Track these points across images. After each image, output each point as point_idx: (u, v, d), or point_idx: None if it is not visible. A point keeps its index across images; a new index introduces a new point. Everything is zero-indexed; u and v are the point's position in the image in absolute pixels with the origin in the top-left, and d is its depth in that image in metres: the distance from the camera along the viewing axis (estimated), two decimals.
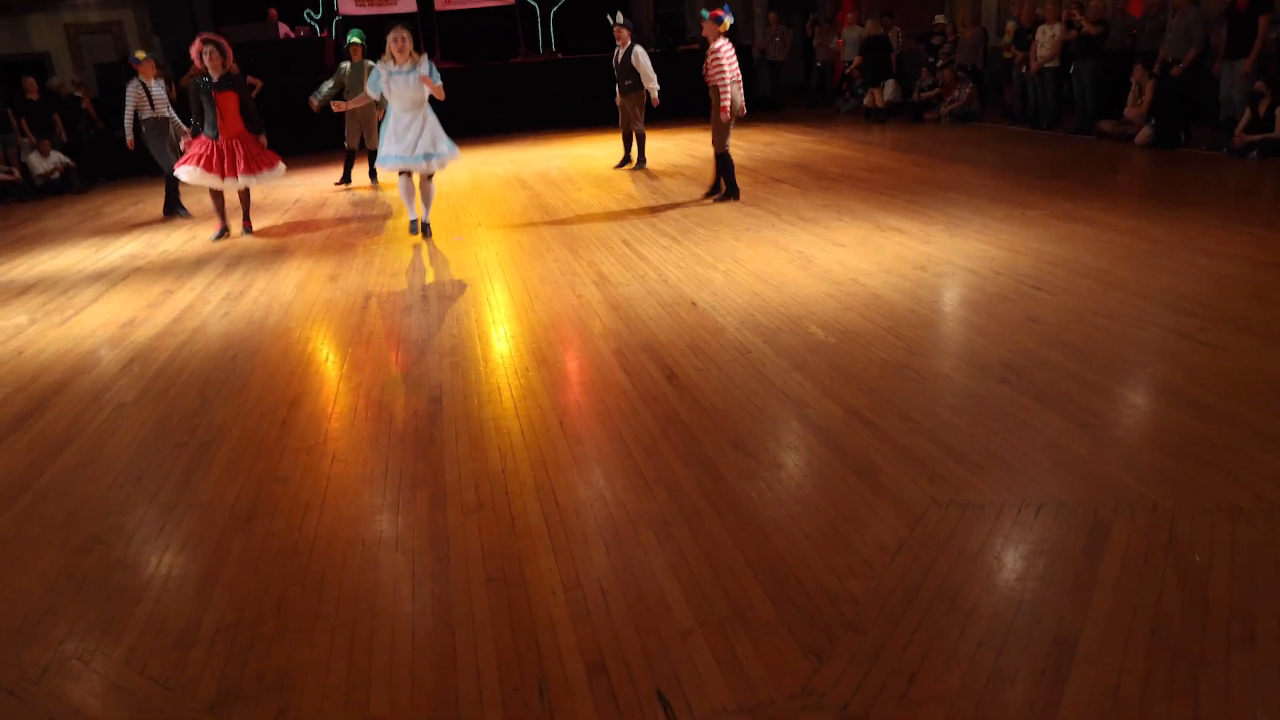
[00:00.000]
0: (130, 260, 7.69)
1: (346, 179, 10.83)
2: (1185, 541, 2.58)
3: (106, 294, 6.55)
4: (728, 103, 7.70)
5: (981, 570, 2.53)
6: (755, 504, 2.95)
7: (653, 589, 2.54)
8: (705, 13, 7.83)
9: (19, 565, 2.96)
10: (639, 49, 10.00)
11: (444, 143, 7.12)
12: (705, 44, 7.84)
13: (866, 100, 14.24)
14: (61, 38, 16.06)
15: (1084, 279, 5.12)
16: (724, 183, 8.14)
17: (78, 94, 13.58)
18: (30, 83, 12.73)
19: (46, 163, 12.39)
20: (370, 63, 10.25)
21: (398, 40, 6.85)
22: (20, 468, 3.71)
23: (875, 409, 3.60)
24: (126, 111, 9.42)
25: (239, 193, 8.23)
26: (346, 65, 10.35)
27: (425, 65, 6.91)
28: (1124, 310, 4.58)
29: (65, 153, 12.64)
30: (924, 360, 4.12)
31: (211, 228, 8.42)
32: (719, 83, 7.69)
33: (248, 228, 8.35)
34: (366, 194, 10.36)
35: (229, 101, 7.81)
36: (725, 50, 7.70)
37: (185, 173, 7.93)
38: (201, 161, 7.81)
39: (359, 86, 10.23)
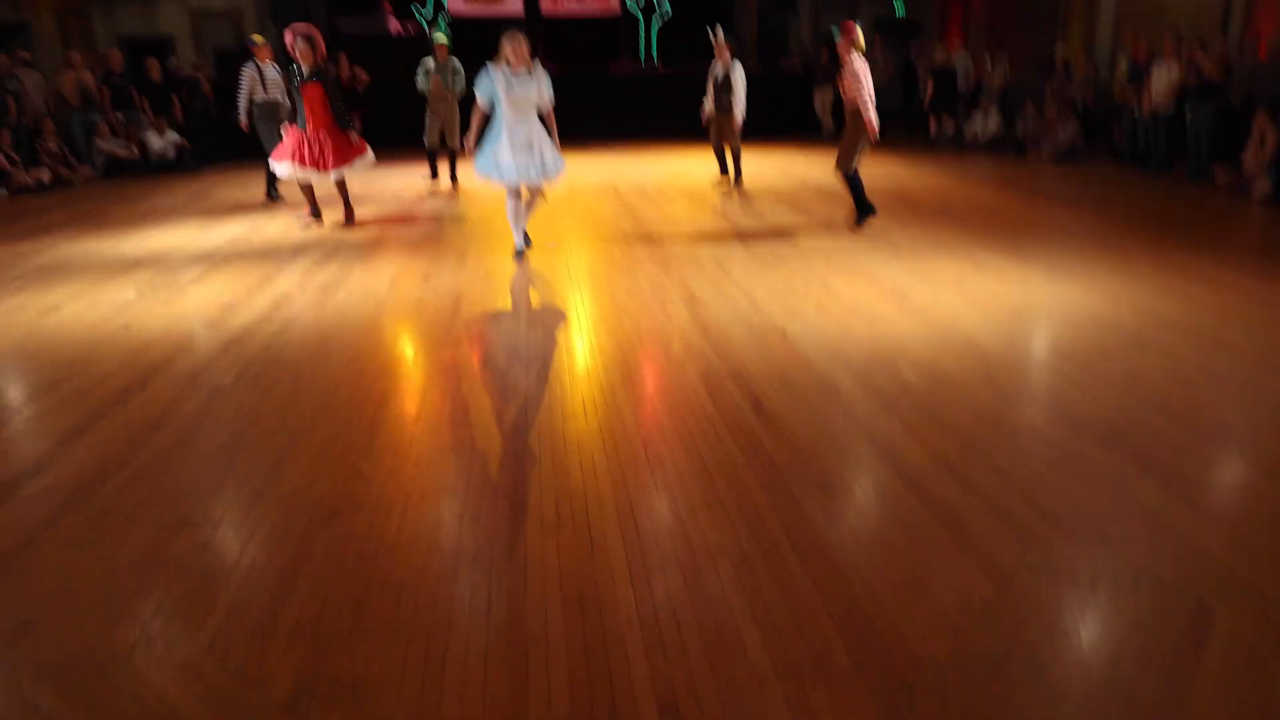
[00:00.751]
0: (233, 243, 7.93)
1: (435, 174, 10.99)
2: None
3: (209, 275, 6.76)
4: (874, 119, 7.45)
5: (1073, 644, 2.43)
6: (838, 548, 2.89)
7: (730, 627, 2.50)
8: (836, 30, 7.64)
9: (114, 538, 3.06)
10: (740, 67, 9.93)
11: (555, 154, 6.75)
12: (824, 61, 7.71)
13: (933, 130, 14.46)
14: (186, 21, 16.70)
15: (1191, 339, 4.92)
16: (856, 202, 7.89)
17: (197, 75, 14.10)
18: (153, 64, 13.28)
19: (162, 141, 12.88)
20: (455, 61, 10.42)
21: (514, 43, 6.44)
22: (121, 442, 3.84)
23: (966, 459, 3.51)
24: (241, 94, 9.77)
25: (336, 184, 8.42)
26: (430, 62, 10.45)
27: (545, 79, 6.58)
28: (1234, 376, 4.39)
29: (180, 133, 13.13)
30: (1018, 411, 4.00)
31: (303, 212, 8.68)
32: (860, 99, 7.41)
33: (349, 218, 8.55)
34: (452, 194, 10.52)
35: (315, 93, 7.99)
36: (863, 66, 7.44)
37: (280, 168, 8.17)
38: (294, 156, 8.03)
39: (442, 85, 10.39)
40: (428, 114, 10.55)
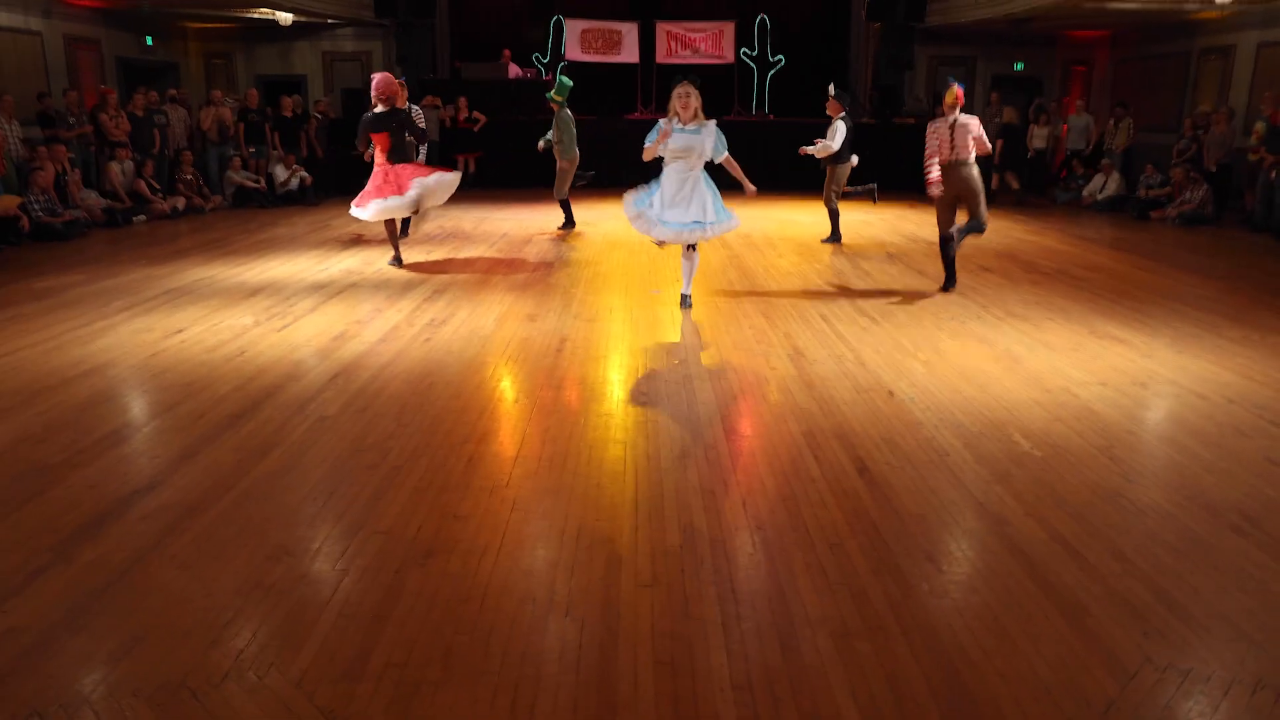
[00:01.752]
0: (348, 275, 8.17)
1: (571, 224, 11.04)
2: None
3: (323, 305, 6.96)
4: (932, 175, 7.31)
5: None
6: (946, 628, 2.74)
7: (828, 707, 2.38)
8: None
9: (217, 563, 3.11)
10: (839, 123, 9.77)
11: (718, 209, 6.51)
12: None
13: (994, 184, 14.08)
14: (319, 62, 17.52)
15: None
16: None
17: (316, 114, 14.72)
18: (286, 101, 13.95)
19: (287, 173, 13.47)
20: (564, 113, 10.51)
21: (682, 97, 6.31)
22: (228, 465, 3.93)
23: (1084, 539, 3.31)
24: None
25: (391, 223, 8.56)
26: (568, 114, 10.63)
27: (715, 134, 6.42)
28: None
29: (306, 167, 13.71)
30: (1142, 491, 3.77)
31: (422, 252, 8.89)
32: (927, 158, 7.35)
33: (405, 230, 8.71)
34: (567, 239, 10.66)
35: (381, 140, 8.23)
36: (935, 125, 7.32)
37: (362, 213, 8.31)
38: (377, 194, 8.22)
39: (560, 136, 10.53)
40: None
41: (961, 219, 7.52)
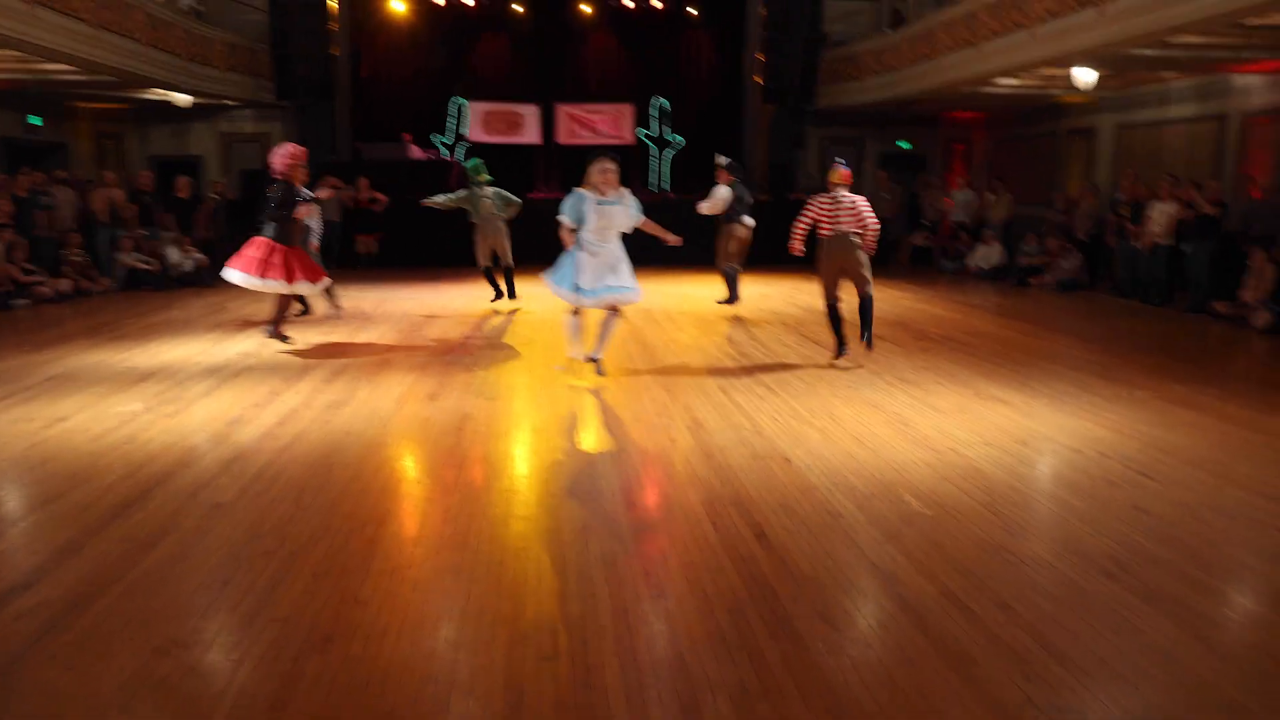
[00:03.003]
0: (243, 358, 8.02)
1: (498, 294, 11.05)
2: None
3: (217, 389, 6.81)
4: (796, 246, 7.80)
5: None
6: (841, 685, 2.82)
7: None
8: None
9: (100, 659, 3.00)
10: (719, 187, 10.15)
11: (631, 279, 6.82)
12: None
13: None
14: (216, 143, 17.34)
15: (1197, 470, 4.90)
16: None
17: (214, 194, 14.55)
18: (181, 182, 13.75)
19: (180, 255, 13.22)
20: (489, 190, 10.65)
21: (603, 172, 6.60)
22: (115, 557, 3.80)
23: (971, 592, 3.45)
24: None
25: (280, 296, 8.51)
26: (464, 192, 10.75)
27: (633, 202, 6.79)
28: (1242, 509, 4.35)
29: (201, 248, 13.45)
30: (1023, 543, 3.96)
31: (320, 334, 8.76)
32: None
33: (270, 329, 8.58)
34: (493, 313, 10.68)
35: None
36: (818, 198, 7.59)
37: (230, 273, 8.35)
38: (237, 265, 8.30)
39: (475, 211, 10.67)
40: (476, 236, 10.76)
41: (846, 292, 7.75)
